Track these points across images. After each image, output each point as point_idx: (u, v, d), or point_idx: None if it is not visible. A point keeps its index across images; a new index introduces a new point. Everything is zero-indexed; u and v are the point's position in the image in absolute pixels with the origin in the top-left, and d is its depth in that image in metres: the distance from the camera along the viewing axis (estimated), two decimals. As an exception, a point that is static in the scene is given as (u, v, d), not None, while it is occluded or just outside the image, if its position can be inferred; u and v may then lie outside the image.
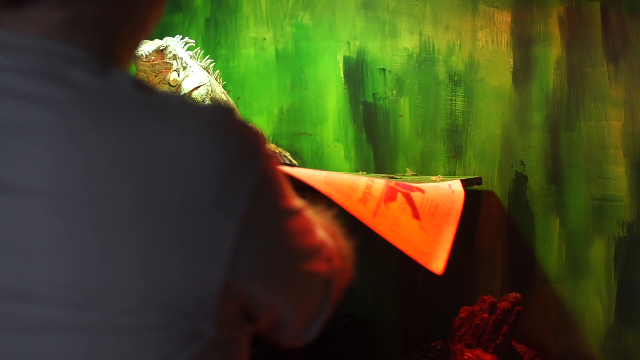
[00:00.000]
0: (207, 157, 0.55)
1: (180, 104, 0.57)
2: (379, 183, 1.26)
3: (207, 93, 1.65)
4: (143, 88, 0.58)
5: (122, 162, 0.54)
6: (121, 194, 0.54)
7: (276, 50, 1.96)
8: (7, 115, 0.55)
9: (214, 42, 2.05)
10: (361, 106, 1.87)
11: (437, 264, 1.20)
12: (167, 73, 1.59)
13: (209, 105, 0.58)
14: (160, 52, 1.58)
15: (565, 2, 1.63)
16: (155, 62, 1.56)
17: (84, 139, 0.54)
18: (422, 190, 1.29)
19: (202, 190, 0.55)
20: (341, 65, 1.89)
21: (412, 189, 1.29)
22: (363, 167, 1.87)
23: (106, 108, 0.55)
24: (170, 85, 1.60)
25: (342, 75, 1.89)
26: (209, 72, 1.71)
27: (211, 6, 2.05)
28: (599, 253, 1.63)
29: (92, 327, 0.55)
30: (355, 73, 1.87)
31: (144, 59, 1.55)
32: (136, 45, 0.65)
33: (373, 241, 1.89)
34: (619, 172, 1.60)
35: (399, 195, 1.26)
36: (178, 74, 1.61)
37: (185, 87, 1.62)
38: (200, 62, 1.70)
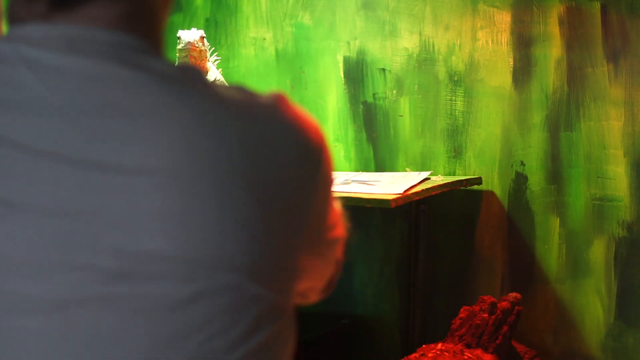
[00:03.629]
0: (295, 143, 0.62)
1: (253, 95, 0.63)
2: None
3: None
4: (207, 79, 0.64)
5: (225, 144, 0.58)
6: (227, 173, 0.58)
7: (276, 50, 1.96)
8: (103, 99, 0.58)
9: (214, 42, 2.05)
10: (361, 106, 1.87)
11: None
12: (206, 61, 1.68)
13: (276, 95, 0.64)
14: (203, 38, 1.68)
15: (565, 2, 1.63)
16: (202, 48, 1.66)
17: (185, 121, 0.58)
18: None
19: (294, 169, 0.62)
20: (341, 65, 1.89)
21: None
22: (363, 167, 1.87)
23: (196, 94, 0.60)
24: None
25: (342, 75, 1.89)
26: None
27: (211, 6, 2.05)
28: (599, 253, 1.63)
29: (192, 299, 0.57)
30: (355, 73, 1.87)
31: (196, 45, 1.64)
32: (164, 32, 0.69)
33: (373, 242, 1.89)
34: (619, 172, 1.60)
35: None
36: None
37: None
38: (210, 56, 1.74)
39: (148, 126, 0.57)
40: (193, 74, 0.61)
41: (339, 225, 0.72)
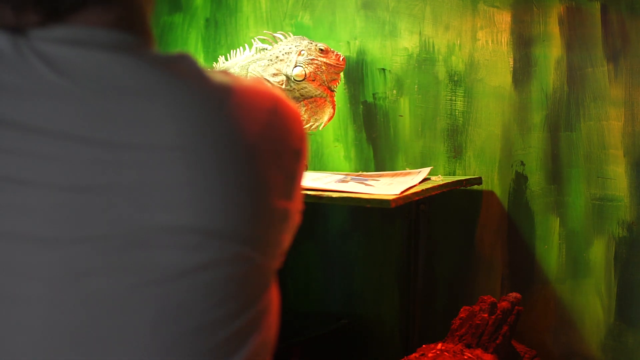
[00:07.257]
0: (292, 121, 0.69)
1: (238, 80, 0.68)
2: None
3: None
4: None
5: (223, 121, 0.62)
6: (226, 147, 0.62)
7: (276, 50, 1.96)
8: (110, 82, 0.61)
9: (214, 42, 2.05)
10: (361, 106, 1.87)
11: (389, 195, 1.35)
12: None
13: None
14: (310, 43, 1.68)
15: (565, 2, 1.63)
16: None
17: (186, 101, 0.61)
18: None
19: (290, 143, 0.68)
20: (341, 65, 1.88)
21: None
22: (363, 167, 1.87)
23: (193, 77, 0.64)
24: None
25: (342, 75, 1.88)
26: None
27: (211, 6, 2.05)
28: (599, 253, 1.63)
29: (199, 268, 0.60)
30: (355, 73, 1.87)
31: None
32: (152, 28, 0.73)
33: (373, 242, 1.89)
34: (619, 172, 1.60)
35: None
36: None
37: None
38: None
39: (153, 106, 0.60)
40: (185, 59, 0.65)
41: (299, 197, 0.77)
